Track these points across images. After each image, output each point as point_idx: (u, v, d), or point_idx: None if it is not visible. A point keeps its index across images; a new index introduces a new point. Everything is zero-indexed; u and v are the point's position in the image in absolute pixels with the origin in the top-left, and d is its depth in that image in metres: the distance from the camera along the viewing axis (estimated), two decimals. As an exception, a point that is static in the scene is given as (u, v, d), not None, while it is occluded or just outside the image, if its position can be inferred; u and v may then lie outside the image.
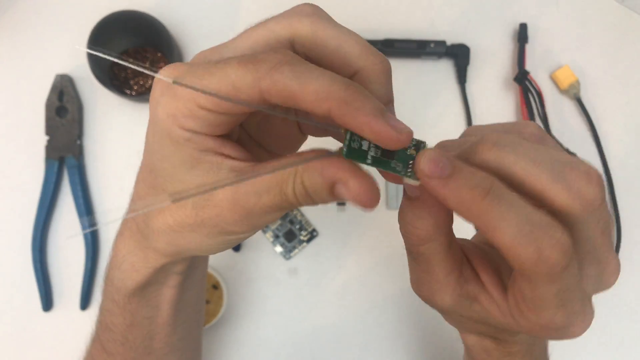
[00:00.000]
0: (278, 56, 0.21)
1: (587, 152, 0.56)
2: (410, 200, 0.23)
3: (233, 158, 0.24)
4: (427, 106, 0.57)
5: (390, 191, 0.56)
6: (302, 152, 0.23)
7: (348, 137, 0.21)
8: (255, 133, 0.28)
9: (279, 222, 0.56)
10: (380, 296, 0.56)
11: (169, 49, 0.54)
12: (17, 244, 0.55)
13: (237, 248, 0.55)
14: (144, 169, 0.27)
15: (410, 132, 0.21)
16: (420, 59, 0.57)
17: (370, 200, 0.21)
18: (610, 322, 0.55)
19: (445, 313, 0.27)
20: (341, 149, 0.22)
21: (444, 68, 0.57)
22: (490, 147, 0.22)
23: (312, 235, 0.56)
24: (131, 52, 0.56)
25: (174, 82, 0.20)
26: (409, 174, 0.22)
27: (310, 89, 0.20)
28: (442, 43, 0.56)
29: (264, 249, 0.56)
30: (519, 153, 0.21)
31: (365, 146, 0.22)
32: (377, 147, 0.22)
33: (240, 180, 0.23)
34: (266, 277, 0.56)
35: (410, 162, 0.22)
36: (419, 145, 0.22)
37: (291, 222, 0.56)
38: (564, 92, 0.57)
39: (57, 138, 0.55)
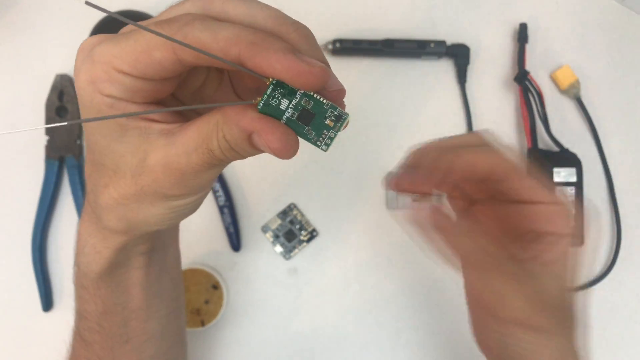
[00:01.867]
0: (190, 15, 0.21)
1: (587, 152, 0.56)
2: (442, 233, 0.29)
3: (160, 121, 0.24)
4: (427, 106, 0.57)
5: (390, 191, 0.56)
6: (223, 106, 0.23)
7: (268, 91, 0.21)
8: (191, 103, 0.28)
9: (279, 222, 0.56)
10: (380, 296, 0.56)
11: (169, 49, 0.54)
12: (17, 244, 0.55)
13: (237, 248, 0.55)
14: (87, 148, 0.27)
15: (324, 68, 0.20)
16: (420, 59, 0.57)
17: (285, 150, 0.21)
18: (610, 323, 0.55)
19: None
20: (258, 101, 0.22)
21: (444, 68, 0.57)
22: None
23: (312, 235, 0.56)
24: (131, 52, 0.56)
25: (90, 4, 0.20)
26: (318, 143, 0.22)
27: (220, 37, 0.20)
28: (442, 43, 0.56)
29: (264, 249, 0.56)
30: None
31: (283, 105, 0.21)
32: (295, 109, 0.22)
33: (151, 111, 0.23)
34: (266, 277, 0.56)
35: (325, 131, 0.22)
36: (340, 117, 0.22)
37: (291, 222, 0.56)
38: (564, 92, 0.57)
39: (57, 138, 0.55)
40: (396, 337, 0.56)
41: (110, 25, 0.53)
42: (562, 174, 0.53)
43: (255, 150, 0.22)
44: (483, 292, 0.31)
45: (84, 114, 0.24)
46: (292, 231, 0.56)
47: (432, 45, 0.55)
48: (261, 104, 0.21)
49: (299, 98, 0.21)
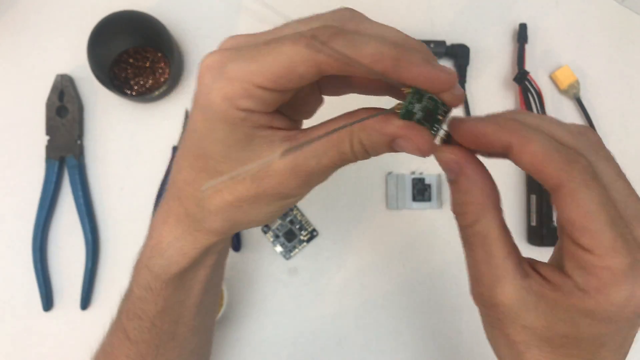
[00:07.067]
0: (329, 29, 0.23)
1: (587, 152, 0.56)
2: (455, 184, 0.25)
3: (282, 129, 0.26)
4: (427, 106, 0.57)
5: (390, 191, 0.56)
6: (352, 113, 0.26)
7: (409, 98, 0.24)
8: (288, 108, 0.29)
9: (279, 222, 0.56)
10: (380, 296, 0.56)
11: (169, 49, 0.54)
12: (17, 244, 0.55)
13: (237, 248, 0.55)
14: (188, 156, 0.27)
15: (454, 73, 0.23)
16: (420, 59, 0.57)
17: (430, 149, 0.24)
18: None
19: (507, 317, 0.24)
20: (397, 108, 0.24)
21: (444, 68, 0.57)
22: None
23: (312, 235, 0.56)
24: (131, 52, 0.56)
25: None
26: (433, 131, 0.25)
27: (365, 54, 0.22)
28: (442, 43, 0.56)
29: (264, 249, 0.56)
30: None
31: (416, 109, 0.24)
32: (422, 110, 0.24)
33: (303, 145, 0.25)
34: (266, 277, 0.56)
35: (436, 125, 0.25)
36: (447, 111, 0.25)
37: (291, 222, 0.56)
38: (563, 92, 0.57)
39: (58, 138, 0.55)
40: (396, 337, 0.56)
41: (111, 25, 0.53)
42: (562, 174, 0.53)
43: (391, 151, 0.25)
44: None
45: (208, 129, 0.25)
46: (292, 231, 0.56)
47: (432, 45, 0.56)
48: (404, 111, 0.24)
49: (425, 101, 0.24)
